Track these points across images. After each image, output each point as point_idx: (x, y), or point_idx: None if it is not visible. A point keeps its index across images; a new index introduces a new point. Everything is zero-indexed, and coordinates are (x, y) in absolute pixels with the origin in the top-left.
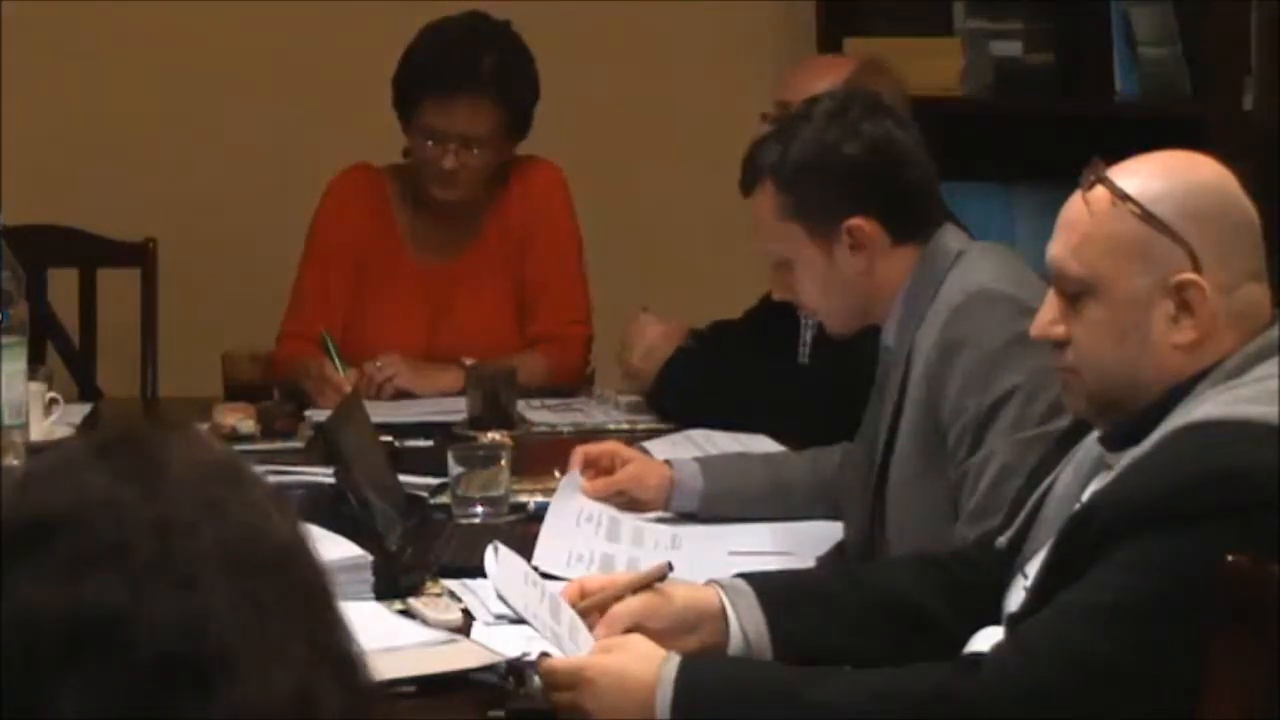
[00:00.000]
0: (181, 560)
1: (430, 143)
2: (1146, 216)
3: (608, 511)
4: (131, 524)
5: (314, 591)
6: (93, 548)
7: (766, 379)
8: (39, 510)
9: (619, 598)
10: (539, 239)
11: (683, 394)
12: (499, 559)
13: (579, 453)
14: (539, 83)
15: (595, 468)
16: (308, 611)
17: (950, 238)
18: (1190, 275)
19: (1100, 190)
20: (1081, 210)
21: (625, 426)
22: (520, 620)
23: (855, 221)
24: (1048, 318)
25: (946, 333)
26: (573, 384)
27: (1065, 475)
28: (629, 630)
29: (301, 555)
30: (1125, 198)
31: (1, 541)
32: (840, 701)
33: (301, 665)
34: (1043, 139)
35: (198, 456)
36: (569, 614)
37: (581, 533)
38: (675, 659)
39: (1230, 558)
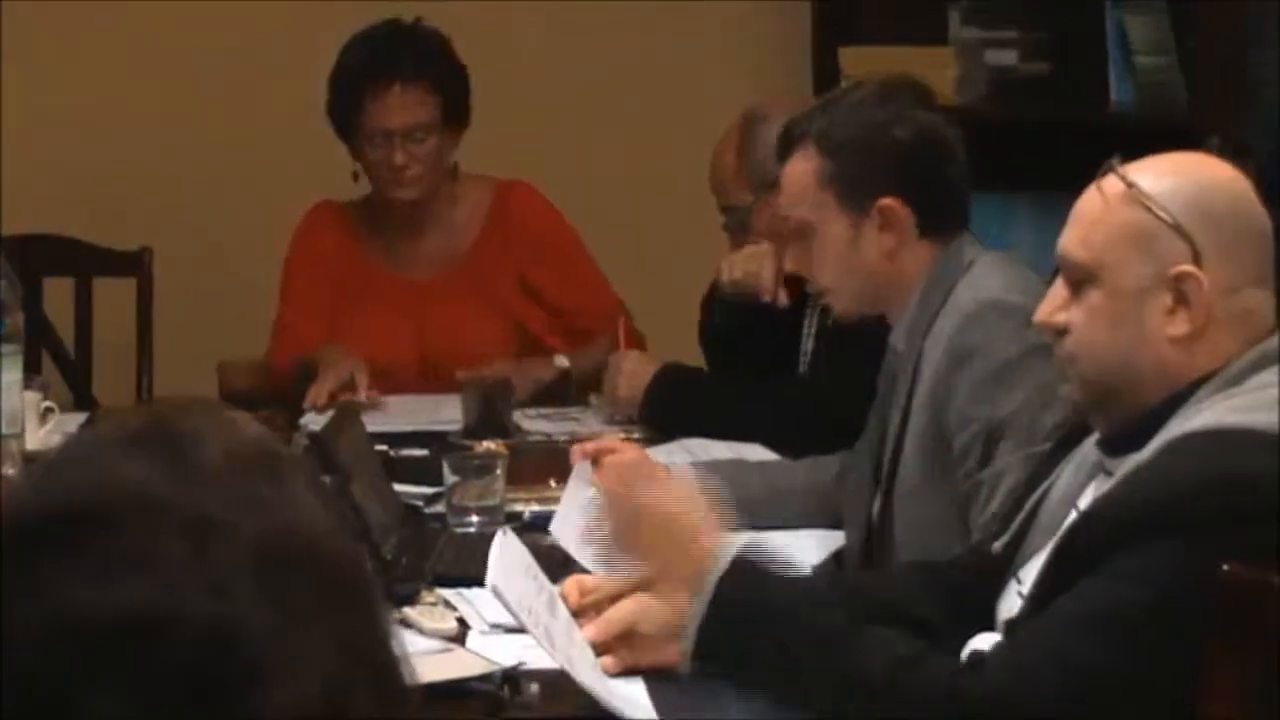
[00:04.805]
0: (216, 564)
1: (375, 147)
2: (1154, 208)
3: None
4: (166, 525)
5: (351, 590)
6: (127, 549)
7: (762, 391)
8: (72, 506)
9: (616, 597)
10: (548, 259)
11: (673, 410)
12: (505, 546)
13: (578, 450)
14: (465, 69)
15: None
16: (343, 612)
17: (967, 245)
18: (1189, 268)
19: (1113, 180)
20: (1094, 199)
21: (622, 435)
22: (516, 628)
23: (890, 201)
24: (1051, 305)
25: (957, 341)
26: None
27: (1062, 480)
28: (621, 634)
29: (341, 552)
30: (1135, 188)
31: (33, 539)
32: (857, 674)
33: (333, 668)
34: (1038, 148)
35: (236, 448)
36: (565, 614)
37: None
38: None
39: (1227, 567)
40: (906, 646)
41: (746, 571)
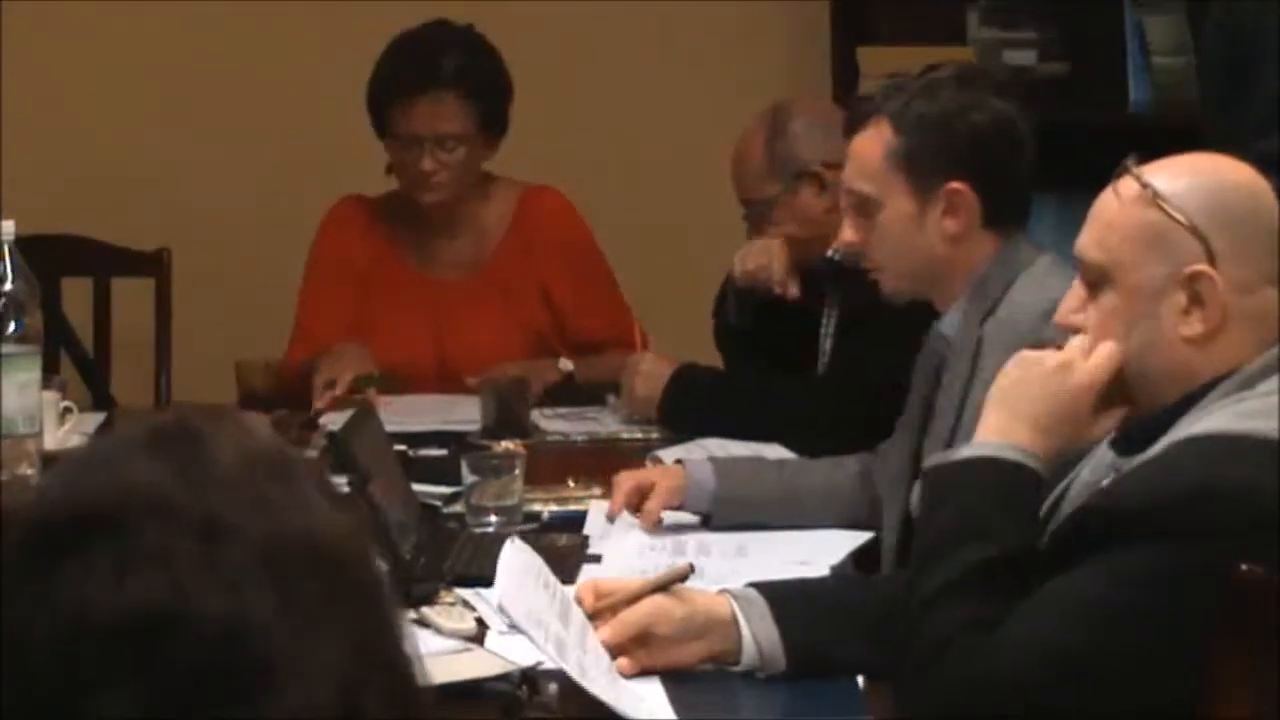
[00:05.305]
0: (226, 564)
1: (405, 149)
2: (1168, 209)
3: (671, 537)
4: (178, 526)
5: (363, 591)
6: (139, 549)
7: (780, 391)
8: (87, 507)
9: (633, 600)
10: (566, 267)
11: (690, 410)
12: (513, 557)
13: (613, 508)
14: (509, 79)
15: (631, 504)
16: (355, 613)
17: (1026, 243)
18: (1203, 267)
19: (1128, 181)
20: (1110, 201)
21: (639, 435)
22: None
23: (959, 185)
24: (1069, 306)
25: (1034, 339)
26: None
27: (1082, 476)
28: (637, 635)
29: (351, 554)
30: (1150, 189)
31: (46, 541)
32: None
33: (345, 668)
34: (1056, 149)
35: (248, 452)
36: (579, 617)
37: (645, 559)
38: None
39: (1244, 567)
40: (988, 605)
41: (1016, 475)
